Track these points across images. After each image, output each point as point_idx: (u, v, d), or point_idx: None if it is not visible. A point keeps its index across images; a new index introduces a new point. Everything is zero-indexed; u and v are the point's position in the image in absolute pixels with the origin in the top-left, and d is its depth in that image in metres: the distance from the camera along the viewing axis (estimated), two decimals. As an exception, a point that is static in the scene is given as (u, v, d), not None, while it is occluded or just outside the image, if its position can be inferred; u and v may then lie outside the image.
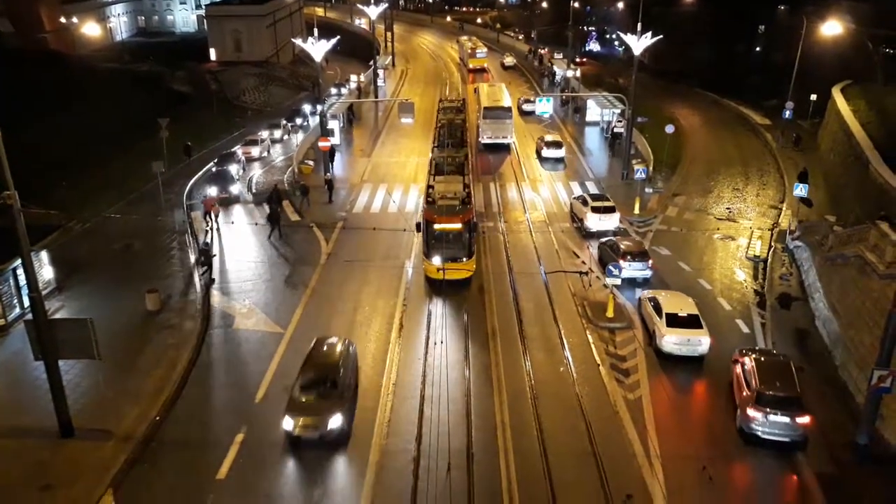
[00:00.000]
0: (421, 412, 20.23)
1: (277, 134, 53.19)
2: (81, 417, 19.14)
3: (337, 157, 44.78)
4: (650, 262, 28.69)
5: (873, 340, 19.71)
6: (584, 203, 34.11)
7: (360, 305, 26.97)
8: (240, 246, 32.68)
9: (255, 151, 47.09)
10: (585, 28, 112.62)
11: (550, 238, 33.50)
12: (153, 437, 19.15)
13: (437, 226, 28.09)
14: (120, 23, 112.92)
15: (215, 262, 29.84)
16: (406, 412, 20.38)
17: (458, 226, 28.07)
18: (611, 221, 33.18)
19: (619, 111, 48.59)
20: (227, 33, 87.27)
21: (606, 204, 33.60)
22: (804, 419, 18.70)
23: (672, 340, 22.84)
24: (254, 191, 40.93)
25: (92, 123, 48.33)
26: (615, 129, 48.85)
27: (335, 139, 47.32)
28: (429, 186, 31.47)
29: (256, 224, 35.06)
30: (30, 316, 18.26)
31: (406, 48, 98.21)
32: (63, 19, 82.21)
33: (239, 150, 46.68)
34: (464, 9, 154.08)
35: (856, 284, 23.74)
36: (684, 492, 17.27)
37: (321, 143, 41.10)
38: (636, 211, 36.38)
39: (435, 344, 23.83)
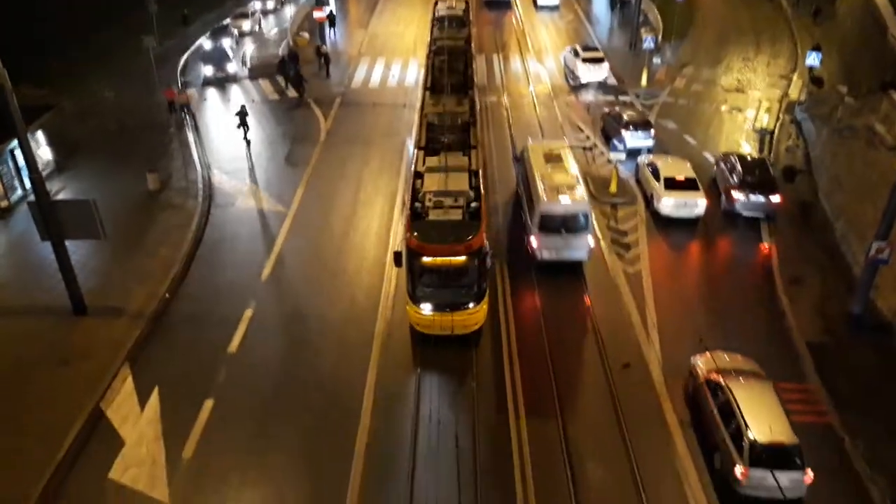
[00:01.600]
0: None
1: (270, 4, 50.84)
2: (92, 296, 19.57)
3: (333, 28, 43.06)
4: (653, 131, 28.62)
5: (875, 213, 19.70)
6: (576, 55, 36.12)
7: (362, 184, 26.84)
8: (237, 124, 32.09)
9: (245, 25, 45.01)
10: None
11: (555, 112, 32.79)
12: (164, 313, 19.69)
13: (426, 259, 17.45)
14: None
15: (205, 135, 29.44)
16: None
17: (462, 258, 17.42)
18: (600, 72, 35.42)
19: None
20: None
21: (596, 55, 35.93)
22: (776, 198, 23.52)
23: (670, 203, 23.64)
24: (248, 66, 39.68)
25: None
26: (623, -4, 46.58)
27: (332, 6, 45.30)
28: (414, 178, 19.89)
29: (253, 101, 34.28)
30: (32, 197, 18.23)
31: None
32: None
33: (229, 23, 44.80)
34: None
35: (862, 156, 23.45)
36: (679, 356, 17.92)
37: (316, 14, 39.42)
38: (643, 83, 35.37)
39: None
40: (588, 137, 29.99)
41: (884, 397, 16.66)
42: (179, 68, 38.89)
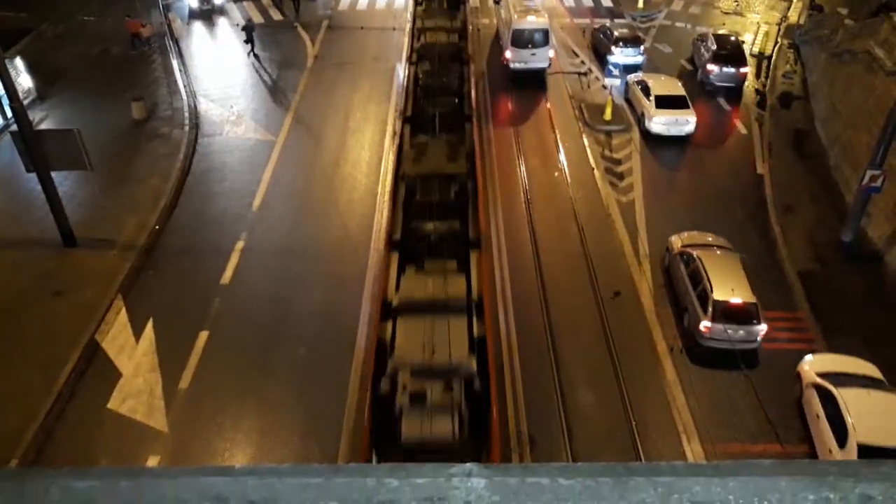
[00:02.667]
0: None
1: None
2: (82, 227, 19.40)
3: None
4: (643, 48, 28.95)
5: (870, 140, 19.56)
6: None
7: (352, 111, 26.33)
8: (222, 50, 31.19)
9: None
10: None
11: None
12: (155, 245, 19.59)
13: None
14: None
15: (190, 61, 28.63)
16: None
17: None
18: None
19: None
20: None
21: None
22: (745, 69, 27.04)
23: (661, 121, 23.90)
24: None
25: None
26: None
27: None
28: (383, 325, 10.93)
29: (237, 25, 33.19)
30: (15, 127, 17.78)
31: None
32: None
33: None
34: None
35: (860, 82, 23.09)
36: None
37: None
38: (640, 5, 34.38)
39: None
40: (583, 62, 29.34)
41: (871, 324, 16.95)
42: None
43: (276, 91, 27.77)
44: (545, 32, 27.11)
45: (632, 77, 26.31)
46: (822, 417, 13.64)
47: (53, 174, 18.35)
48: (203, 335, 16.68)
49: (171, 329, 16.81)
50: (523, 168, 22.85)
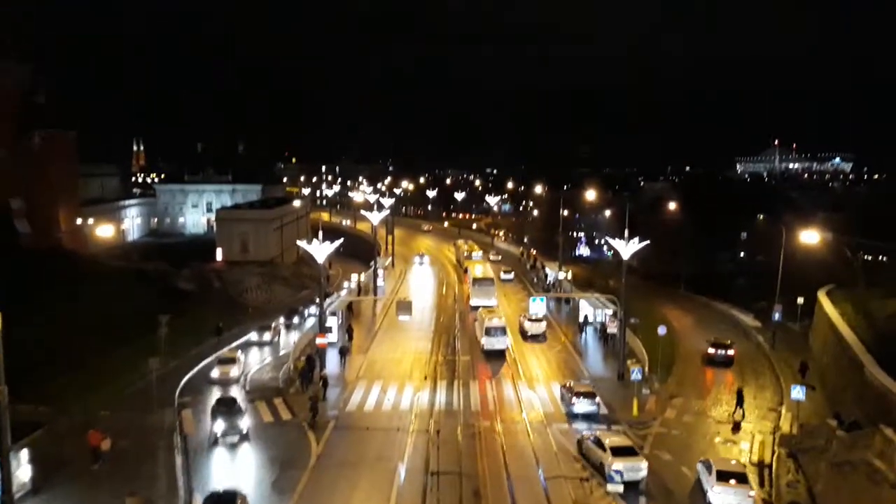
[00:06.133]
0: None
1: (267, 336, 52.08)
2: None
3: (333, 354, 44.87)
4: (597, 399, 35.09)
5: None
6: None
7: (350, 512, 25.57)
8: (222, 446, 31.72)
9: (233, 371, 41.96)
10: (574, 234, 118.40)
11: (549, 440, 32.63)
12: None
13: None
14: (133, 224, 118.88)
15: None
16: None
17: None
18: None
19: (610, 311, 50.04)
20: (236, 235, 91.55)
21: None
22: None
23: (620, 466, 26.99)
24: (247, 388, 40.50)
25: (94, 318, 49.06)
26: (608, 330, 49.81)
27: (333, 336, 47.75)
28: None
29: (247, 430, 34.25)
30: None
31: (406, 250, 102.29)
32: (79, 220, 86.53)
33: (215, 372, 41.79)
34: (461, 215, 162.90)
35: (868, 494, 22.84)
36: None
37: (318, 340, 41.43)
38: (634, 413, 35.81)
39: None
40: (584, 468, 29.40)
41: None
42: (178, 389, 39.63)
43: (275, 491, 27.33)
44: (504, 328, 47.68)
45: (585, 433, 31.13)
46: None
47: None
48: None
49: None
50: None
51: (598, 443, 29.04)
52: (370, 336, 53.22)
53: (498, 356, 46.63)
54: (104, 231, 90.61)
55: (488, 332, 47.03)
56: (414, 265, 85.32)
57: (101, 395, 36.93)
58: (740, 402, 36.36)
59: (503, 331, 47.94)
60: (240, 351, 46.59)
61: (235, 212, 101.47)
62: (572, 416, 35.43)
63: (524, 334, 51.71)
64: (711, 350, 46.80)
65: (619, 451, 27.82)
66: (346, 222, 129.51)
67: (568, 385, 37.83)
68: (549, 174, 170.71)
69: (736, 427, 34.80)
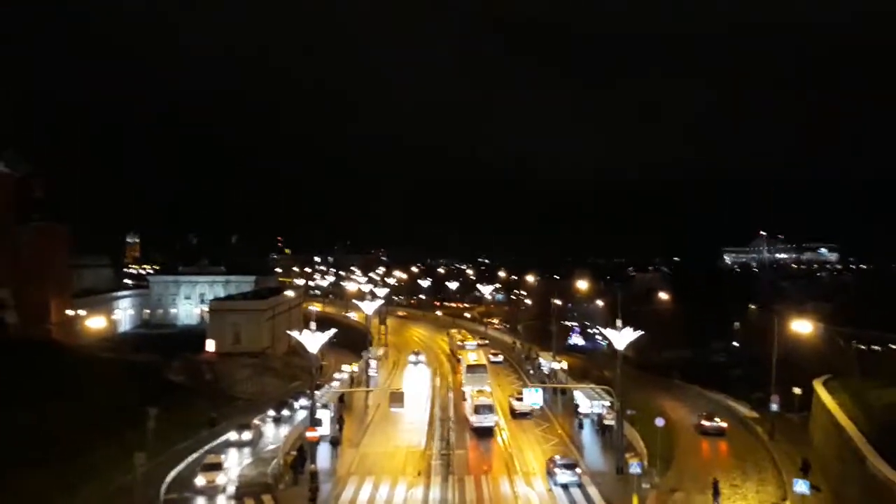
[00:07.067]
0: None
1: (247, 435, 48.36)
2: None
3: (324, 447, 43.77)
4: (578, 469, 35.97)
5: None
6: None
7: None
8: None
9: (219, 478, 38.48)
10: (568, 323, 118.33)
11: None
12: None
13: None
14: (125, 315, 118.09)
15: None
16: None
17: None
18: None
19: (607, 403, 49.52)
20: (227, 326, 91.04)
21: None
22: None
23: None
24: (237, 484, 39.28)
25: (82, 411, 48.01)
26: (605, 422, 49.05)
27: (325, 429, 46.65)
28: None
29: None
30: None
31: (399, 340, 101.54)
32: (71, 311, 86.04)
33: (200, 480, 38.11)
34: (454, 304, 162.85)
35: None
36: None
37: (308, 434, 40.54)
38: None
39: None
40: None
41: None
42: (164, 486, 38.39)
43: None
44: (492, 406, 50.26)
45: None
46: None
47: None
48: None
49: None
50: None
51: None
52: (362, 428, 52.08)
53: (487, 435, 48.77)
54: (95, 322, 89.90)
55: (477, 410, 50.09)
56: (409, 365, 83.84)
57: (84, 494, 35.69)
58: (716, 493, 35.80)
59: (490, 409, 50.87)
60: (223, 455, 43.13)
61: (228, 302, 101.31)
62: (555, 485, 37.83)
63: (513, 412, 54.26)
64: (704, 422, 51.11)
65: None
66: (345, 313, 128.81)
67: (553, 459, 40.51)
68: (540, 264, 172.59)
69: None
